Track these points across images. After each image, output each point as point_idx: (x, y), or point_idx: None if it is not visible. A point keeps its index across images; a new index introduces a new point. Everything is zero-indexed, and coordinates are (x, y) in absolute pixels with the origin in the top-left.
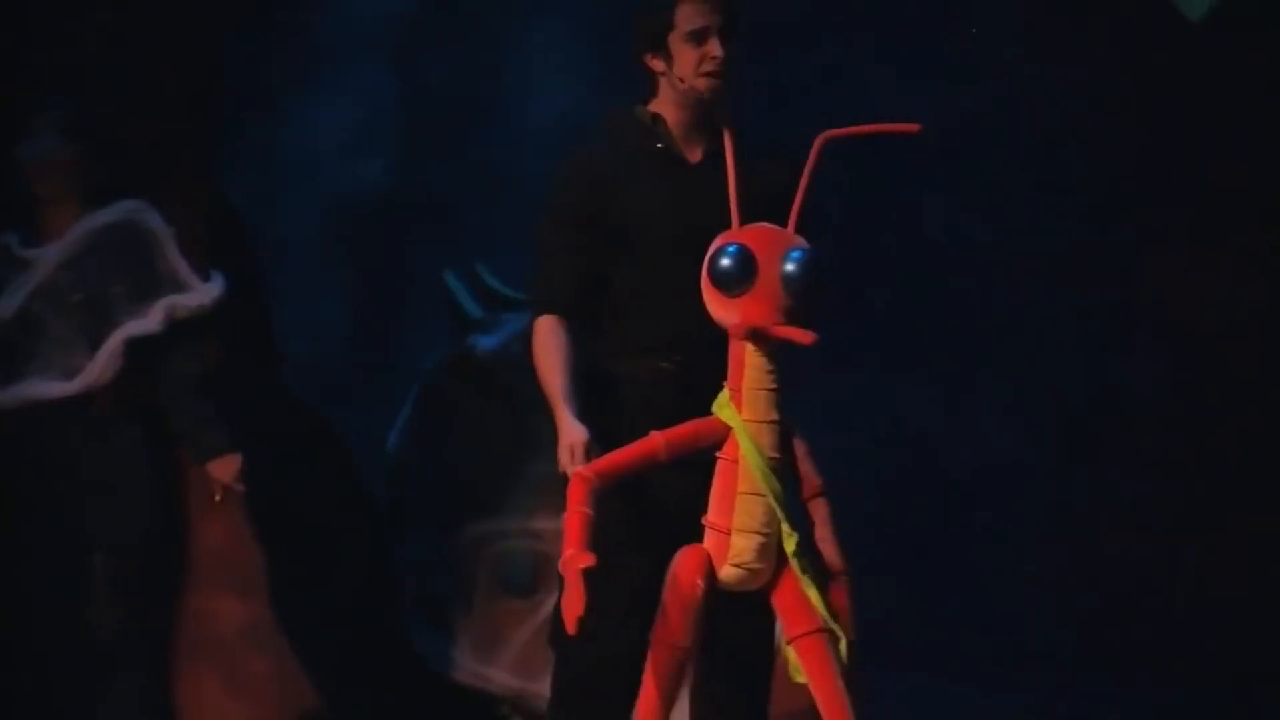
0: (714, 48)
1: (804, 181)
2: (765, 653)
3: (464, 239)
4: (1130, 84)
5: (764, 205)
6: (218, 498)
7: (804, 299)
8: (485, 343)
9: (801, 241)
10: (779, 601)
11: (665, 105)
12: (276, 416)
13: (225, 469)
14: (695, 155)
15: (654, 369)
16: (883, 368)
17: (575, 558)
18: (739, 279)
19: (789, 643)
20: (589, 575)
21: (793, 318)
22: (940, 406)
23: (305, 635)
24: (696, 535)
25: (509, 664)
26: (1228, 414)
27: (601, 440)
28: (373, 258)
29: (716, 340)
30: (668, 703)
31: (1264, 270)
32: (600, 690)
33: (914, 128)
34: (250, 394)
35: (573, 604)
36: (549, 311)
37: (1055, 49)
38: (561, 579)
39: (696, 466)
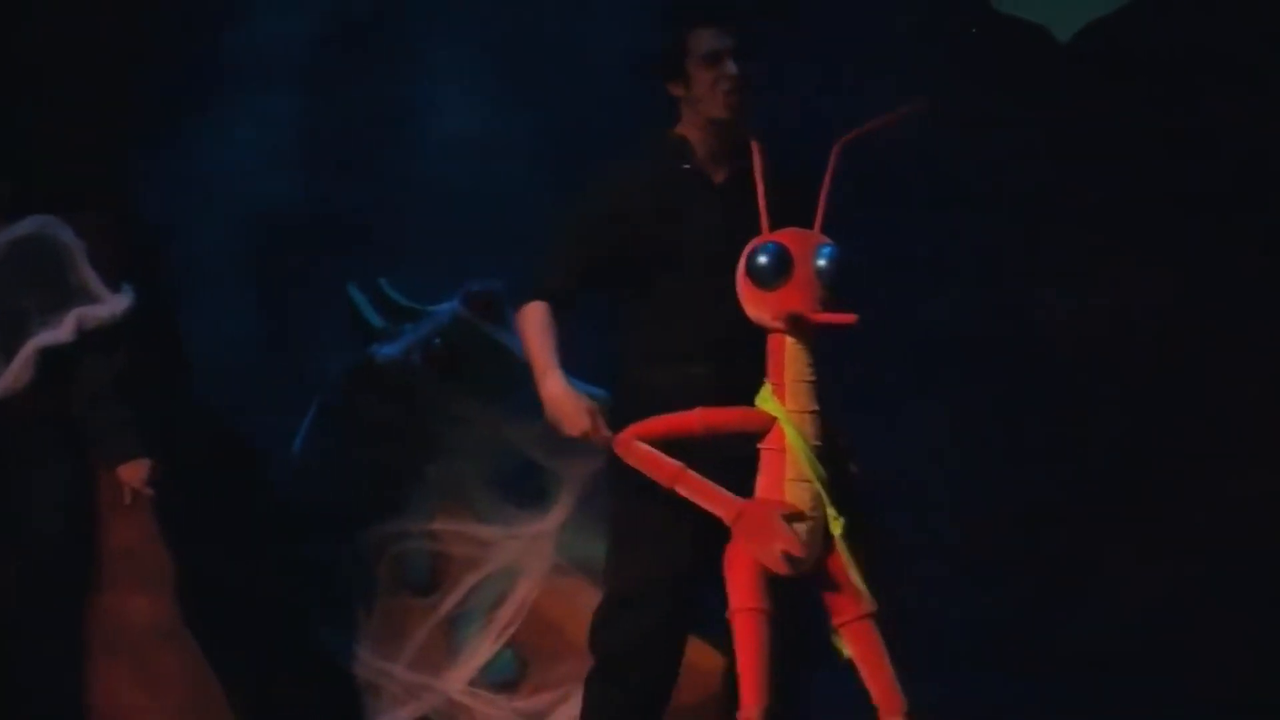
0: (728, 68)
1: (825, 187)
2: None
3: (369, 254)
4: (1011, 102)
5: (786, 217)
6: (127, 500)
7: (837, 291)
8: (386, 351)
9: (829, 240)
10: (824, 586)
11: (689, 128)
12: (185, 422)
13: (135, 473)
14: (720, 175)
15: (686, 375)
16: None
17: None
18: (776, 272)
19: (836, 628)
20: (633, 543)
21: (828, 309)
22: (871, 416)
23: (214, 633)
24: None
25: (409, 660)
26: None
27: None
28: (279, 272)
29: (746, 348)
30: (765, 668)
31: (1163, 281)
32: (641, 660)
33: (922, 106)
34: (160, 401)
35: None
36: (545, 298)
37: (925, 65)
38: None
39: (734, 463)
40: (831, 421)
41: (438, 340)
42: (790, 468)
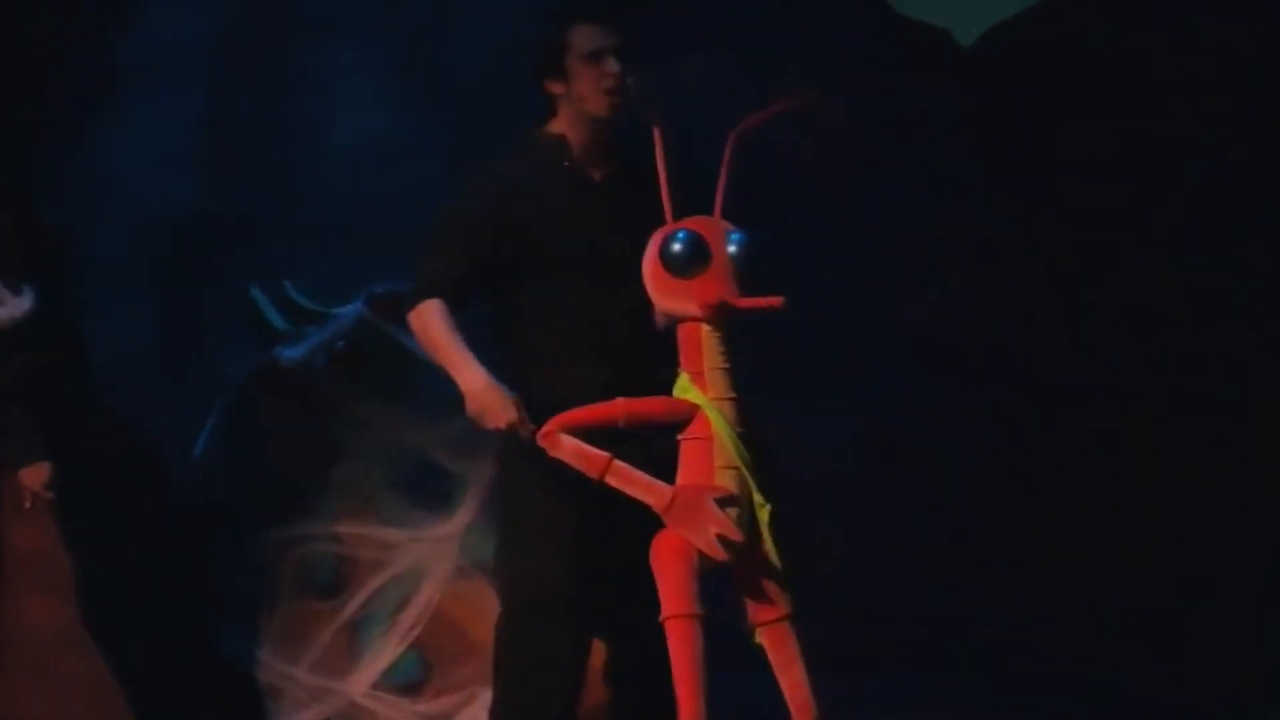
0: (611, 65)
1: (723, 176)
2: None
3: (269, 256)
4: (918, 104)
5: (661, 215)
6: (28, 505)
7: (750, 275)
8: (289, 354)
9: (735, 226)
10: (745, 584)
11: (566, 126)
12: (86, 425)
13: (35, 476)
14: (598, 174)
15: (579, 377)
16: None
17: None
18: (692, 259)
19: (755, 628)
20: (530, 550)
21: (745, 294)
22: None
23: (115, 636)
24: (620, 508)
25: (312, 663)
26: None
27: (526, 451)
28: (180, 274)
29: (637, 347)
30: (702, 674)
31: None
32: (548, 668)
33: (815, 100)
34: (60, 403)
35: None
36: (438, 295)
37: (830, 67)
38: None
39: (650, 462)
40: (749, 411)
41: (342, 342)
42: (718, 455)
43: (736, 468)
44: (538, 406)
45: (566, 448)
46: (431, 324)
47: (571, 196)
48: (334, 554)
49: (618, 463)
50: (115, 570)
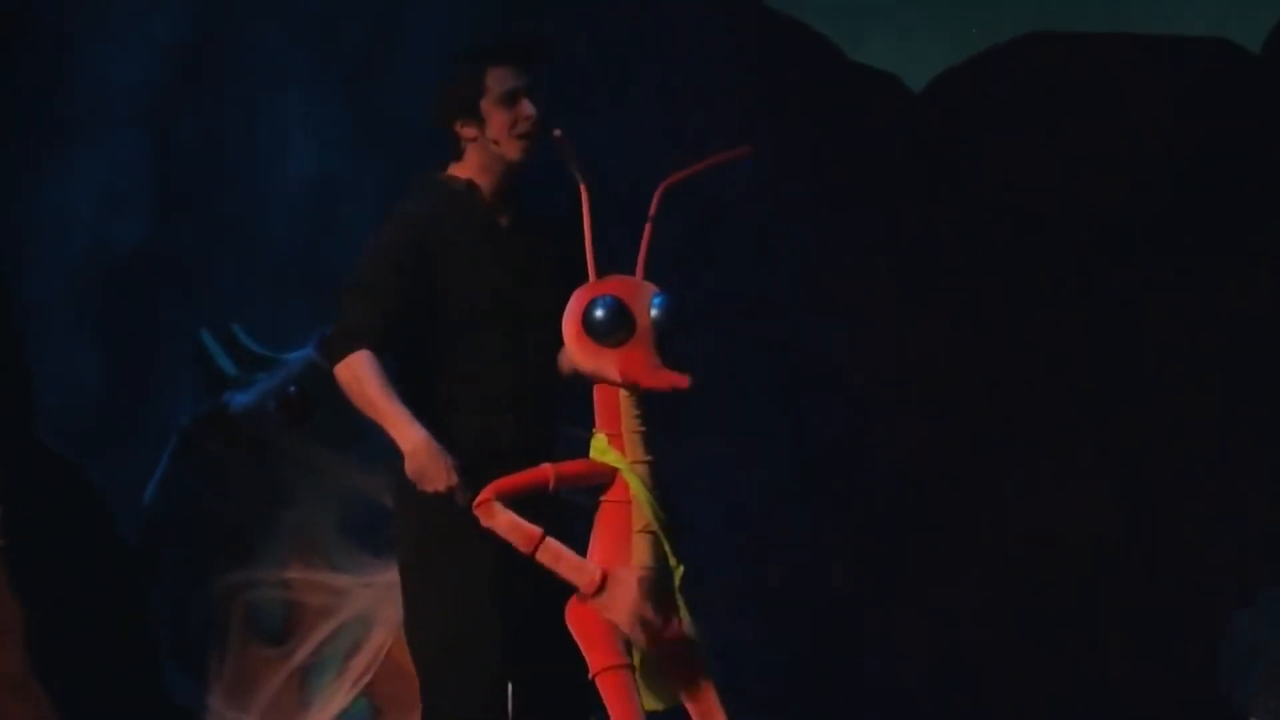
0: (526, 108)
1: (647, 231)
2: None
3: (215, 299)
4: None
5: (568, 266)
6: None
7: (672, 339)
8: (240, 399)
9: (658, 288)
10: (669, 666)
11: (475, 170)
12: (31, 468)
13: None
14: (505, 219)
15: (485, 426)
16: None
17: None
18: (615, 327)
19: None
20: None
21: (663, 360)
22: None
23: (62, 682)
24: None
25: (261, 709)
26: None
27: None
28: (124, 316)
29: (543, 397)
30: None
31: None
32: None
33: (746, 151)
34: (6, 446)
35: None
36: (366, 346)
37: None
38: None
39: (538, 504)
40: (664, 474)
41: (293, 388)
42: (636, 519)
43: (654, 531)
44: (451, 451)
45: (502, 521)
46: (364, 377)
47: (480, 243)
48: (283, 600)
49: (550, 540)
50: (62, 616)
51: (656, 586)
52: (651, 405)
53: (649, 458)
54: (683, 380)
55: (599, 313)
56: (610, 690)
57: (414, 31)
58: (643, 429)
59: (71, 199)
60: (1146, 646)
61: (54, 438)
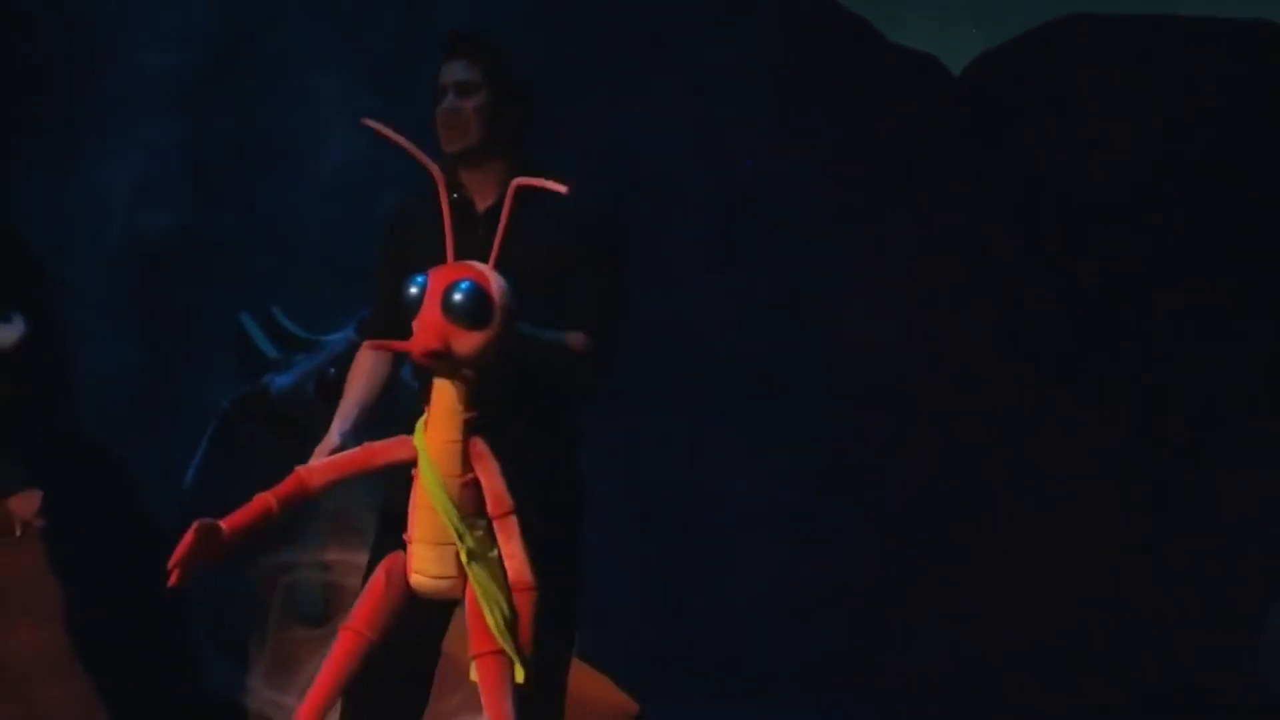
0: (446, 101)
1: (502, 223)
2: (429, 656)
3: (251, 283)
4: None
5: (541, 253)
6: (18, 533)
7: (459, 327)
8: (280, 381)
9: (479, 275)
10: (469, 615)
11: (450, 157)
12: (70, 452)
13: (26, 505)
14: (483, 203)
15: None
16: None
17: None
18: (415, 304)
19: (472, 658)
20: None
21: (456, 341)
22: (685, 445)
23: (101, 664)
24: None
25: (300, 690)
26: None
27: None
28: (161, 301)
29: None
30: (338, 686)
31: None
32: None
33: (561, 189)
34: (48, 431)
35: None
36: (367, 340)
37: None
38: None
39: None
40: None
41: (333, 370)
42: (418, 494)
43: (433, 510)
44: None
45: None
46: (353, 369)
47: (455, 225)
48: (323, 582)
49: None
50: (103, 598)
51: (437, 556)
52: (479, 390)
53: (454, 438)
54: (412, 345)
55: (411, 289)
56: (337, 643)
57: (447, 18)
58: (454, 410)
59: (108, 185)
60: (1179, 640)
61: (91, 421)
